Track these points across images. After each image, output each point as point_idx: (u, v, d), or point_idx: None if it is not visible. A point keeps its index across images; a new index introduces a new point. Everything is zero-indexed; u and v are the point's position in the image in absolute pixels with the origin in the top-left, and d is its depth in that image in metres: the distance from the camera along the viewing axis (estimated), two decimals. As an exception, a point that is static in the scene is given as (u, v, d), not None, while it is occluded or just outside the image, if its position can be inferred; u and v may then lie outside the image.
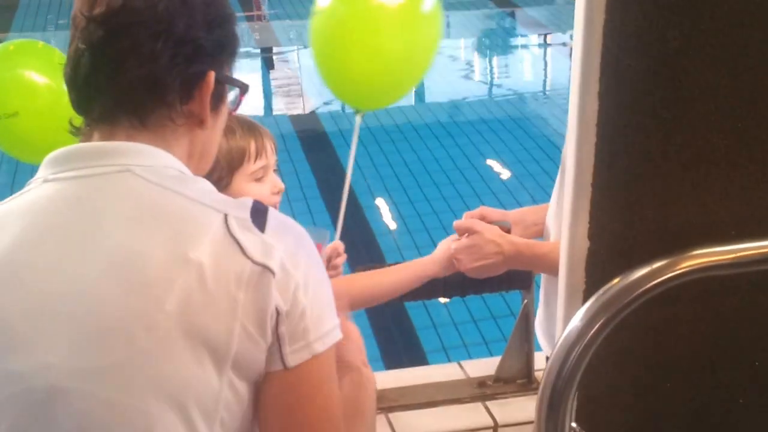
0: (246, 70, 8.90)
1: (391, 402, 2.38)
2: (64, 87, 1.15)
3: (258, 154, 1.84)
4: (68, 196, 1.08)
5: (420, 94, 8.17)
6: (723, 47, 0.99)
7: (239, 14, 10.23)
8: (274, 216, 1.10)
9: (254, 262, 1.04)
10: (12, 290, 1.05)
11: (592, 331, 0.97)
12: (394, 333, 4.38)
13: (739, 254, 1.01)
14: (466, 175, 6.28)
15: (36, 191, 1.10)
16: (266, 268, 1.04)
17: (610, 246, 1.05)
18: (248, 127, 1.84)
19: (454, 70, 9.17)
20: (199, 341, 1.02)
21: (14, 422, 1.05)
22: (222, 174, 1.78)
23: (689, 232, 1.05)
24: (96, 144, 1.11)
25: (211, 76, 1.12)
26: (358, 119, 2.52)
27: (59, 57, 2.23)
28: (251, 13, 11.00)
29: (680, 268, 0.99)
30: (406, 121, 7.31)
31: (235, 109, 1.22)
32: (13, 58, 2.39)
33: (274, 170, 1.89)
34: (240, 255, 1.04)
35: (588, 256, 1.05)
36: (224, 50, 1.15)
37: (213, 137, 1.20)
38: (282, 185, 1.87)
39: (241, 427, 1.09)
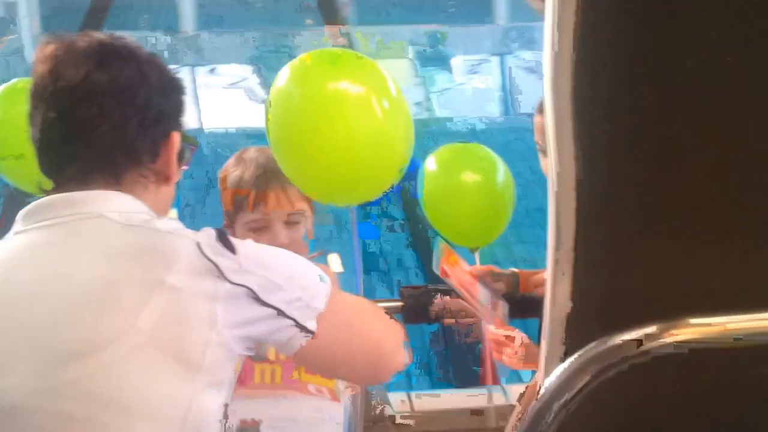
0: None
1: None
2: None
3: (256, 205, 1.83)
4: (43, 242, 1.16)
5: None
6: (708, 109, 0.97)
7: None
8: (234, 238, 1.22)
9: (232, 283, 1.15)
10: None
11: (569, 391, 0.95)
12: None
13: (735, 326, 0.99)
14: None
15: (8, 242, 1.18)
16: (244, 287, 1.16)
17: (594, 308, 1.03)
18: (259, 174, 1.83)
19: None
20: (171, 355, 1.08)
21: None
22: (228, 218, 1.78)
23: (679, 300, 1.03)
24: (68, 194, 1.20)
25: (176, 136, 1.26)
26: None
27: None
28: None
29: (670, 335, 0.97)
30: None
31: (186, 163, 1.34)
32: (22, 96, 2.39)
33: (293, 222, 1.86)
34: (216, 276, 1.14)
35: (570, 317, 1.03)
36: (180, 112, 1.28)
37: (172, 192, 1.33)
38: (283, 240, 1.82)
39: None
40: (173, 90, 1.28)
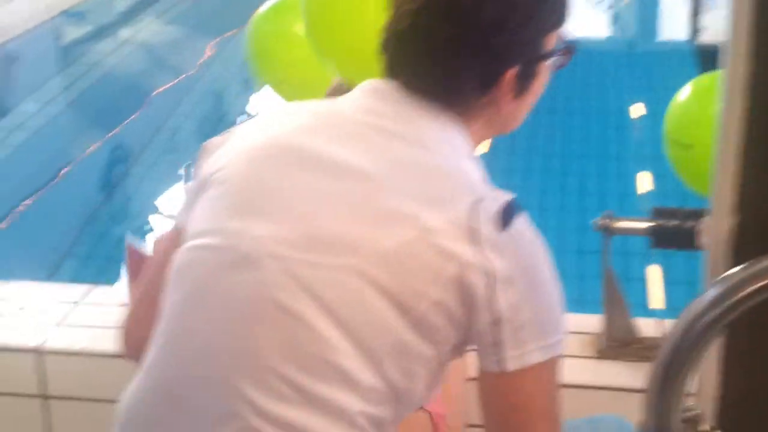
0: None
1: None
2: None
3: None
4: (357, 120, 1.14)
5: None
6: None
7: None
8: (521, 220, 1.09)
9: (478, 255, 1.04)
10: (272, 165, 1.13)
11: (726, 302, 0.91)
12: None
13: None
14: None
15: (340, 102, 1.19)
16: (489, 267, 1.05)
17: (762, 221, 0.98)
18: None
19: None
20: (394, 290, 1.04)
21: (200, 274, 1.12)
22: None
23: None
24: (403, 95, 1.15)
25: (515, 71, 1.14)
26: None
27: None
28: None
29: None
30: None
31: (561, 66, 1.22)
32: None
33: None
34: (467, 243, 1.04)
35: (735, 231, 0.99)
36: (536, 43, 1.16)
37: (520, 110, 1.22)
38: None
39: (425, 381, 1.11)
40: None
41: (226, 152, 1.19)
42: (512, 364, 1.07)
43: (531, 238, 1.10)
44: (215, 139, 1.24)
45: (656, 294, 3.90)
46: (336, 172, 1.11)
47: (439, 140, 1.13)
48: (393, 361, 1.06)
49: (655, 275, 3.95)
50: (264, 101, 6.12)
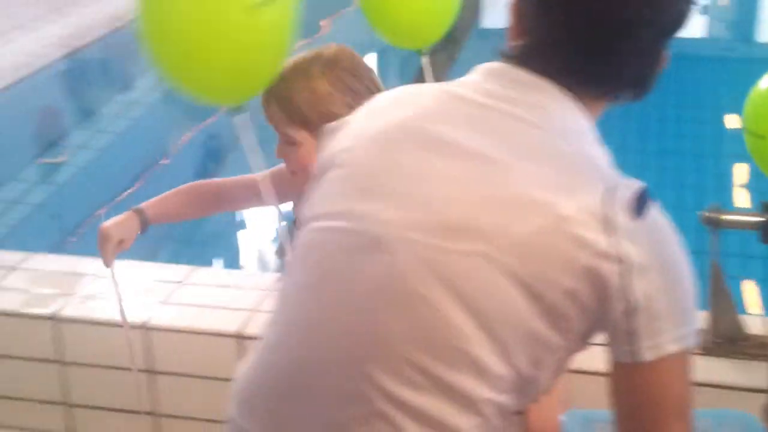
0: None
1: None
2: None
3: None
4: (480, 103, 1.13)
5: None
6: None
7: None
8: (655, 209, 1.07)
9: (613, 243, 1.02)
10: (398, 148, 1.12)
11: None
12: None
13: None
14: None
15: (460, 85, 1.17)
16: (624, 256, 1.02)
17: None
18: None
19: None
20: (526, 279, 1.03)
21: (327, 255, 1.11)
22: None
23: None
24: (525, 78, 1.13)
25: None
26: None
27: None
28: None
29: None
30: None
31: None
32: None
33: (288, 144, 1.70)
34: (600, 231, 1.02)
35: None
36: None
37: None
38: (276, 154, 1.74)
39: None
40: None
41: (348, 135, 1.18)
42: (647, 354, 1.05)
43: (665, 227, 1.08)
44: (333, 123, 1.23)
45: (753, 293, 3.81)
46: (463, 156, 1.09)
47: (565, 125, 1.11)
48: (522, 350, 1.05)
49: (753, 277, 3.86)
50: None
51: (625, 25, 1.10)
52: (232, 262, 4.31)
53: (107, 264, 1.88)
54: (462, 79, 1.19)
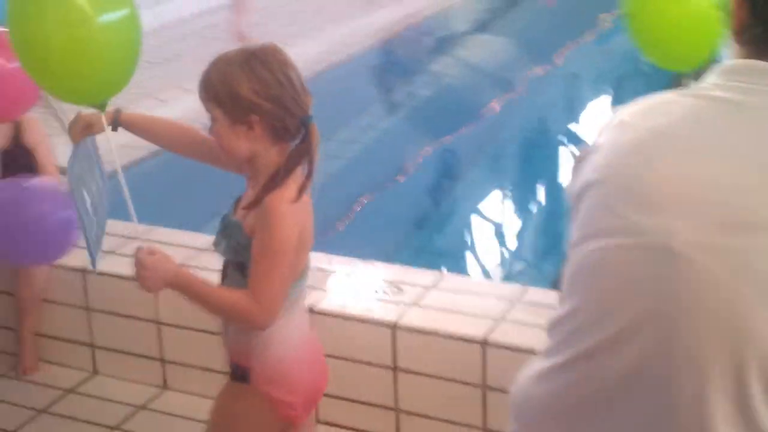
0: None
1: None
2: None
3: None
4: (731, 104, 1.13)
5: None
6: None
7: None
8: None
9: None
10: (662, 156, 1.13)
11: None
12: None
13: None
14: None
15: (708, 88, 1.17)
16: None
17: None
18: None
19: None
20: None
21: (627, 268, 1.11)
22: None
23: None
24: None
25: None
26: None
27: None
28: None
29: None
30: None
31: None
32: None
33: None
34: None
35: None
36: None
37: None
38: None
39: None
40: None
41: (604, 153, 1.19)
42: None
43: None
44: (586, 148, 1.24)
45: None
46: (729, 158, 1.09)
47: None
48: None
49: None
50: (587, 118, 6.15)
51: None
52: (476, 271, 4.38)
53: (73, 140, 2.07)
54: (704, 82, 1.18)
